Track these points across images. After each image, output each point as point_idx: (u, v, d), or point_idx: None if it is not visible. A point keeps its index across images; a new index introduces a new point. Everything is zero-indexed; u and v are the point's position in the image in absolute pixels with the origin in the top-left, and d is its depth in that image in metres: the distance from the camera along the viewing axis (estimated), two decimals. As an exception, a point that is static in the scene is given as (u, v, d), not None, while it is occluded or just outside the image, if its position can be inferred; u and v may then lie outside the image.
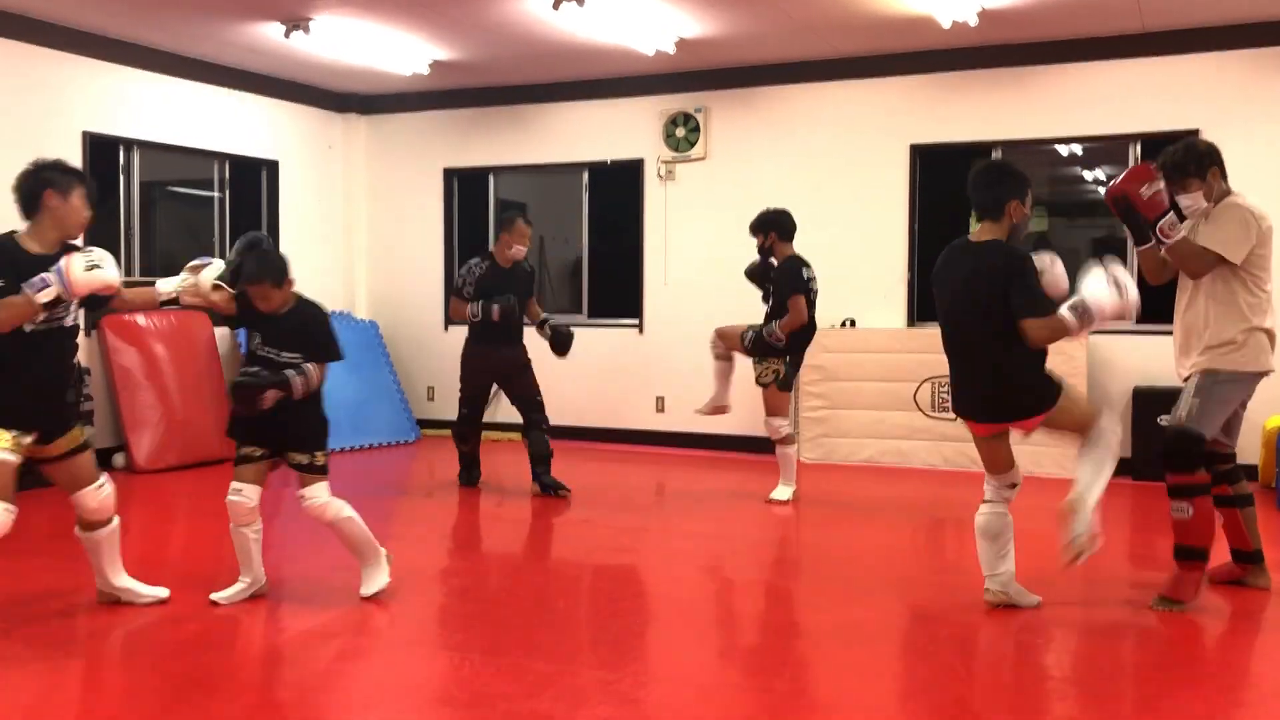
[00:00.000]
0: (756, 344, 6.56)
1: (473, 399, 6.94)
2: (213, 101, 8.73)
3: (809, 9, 7.07)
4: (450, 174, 9.88)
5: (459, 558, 5.71)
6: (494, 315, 6.66)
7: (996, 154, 8.24)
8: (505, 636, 4.15)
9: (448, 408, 9.74)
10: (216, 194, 9.15)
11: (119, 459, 7.76)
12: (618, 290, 9.31)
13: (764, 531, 6.22)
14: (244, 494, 4.46)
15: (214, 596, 4.46)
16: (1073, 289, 4.23)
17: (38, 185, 4.22)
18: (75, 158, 7.69)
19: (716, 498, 6.96)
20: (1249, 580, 4.67)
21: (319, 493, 4.44)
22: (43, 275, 3.97)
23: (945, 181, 8.71)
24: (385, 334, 9.77)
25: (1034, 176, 9.23)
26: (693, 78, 8.79)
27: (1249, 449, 7.45)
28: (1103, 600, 4.71)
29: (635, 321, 9.19)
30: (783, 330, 6.45)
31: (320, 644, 4.07)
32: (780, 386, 6.57)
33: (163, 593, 4.49)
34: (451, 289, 6.82)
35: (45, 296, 3.96)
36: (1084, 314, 4.08)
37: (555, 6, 6.73)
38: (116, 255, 8.15)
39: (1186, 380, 4.49)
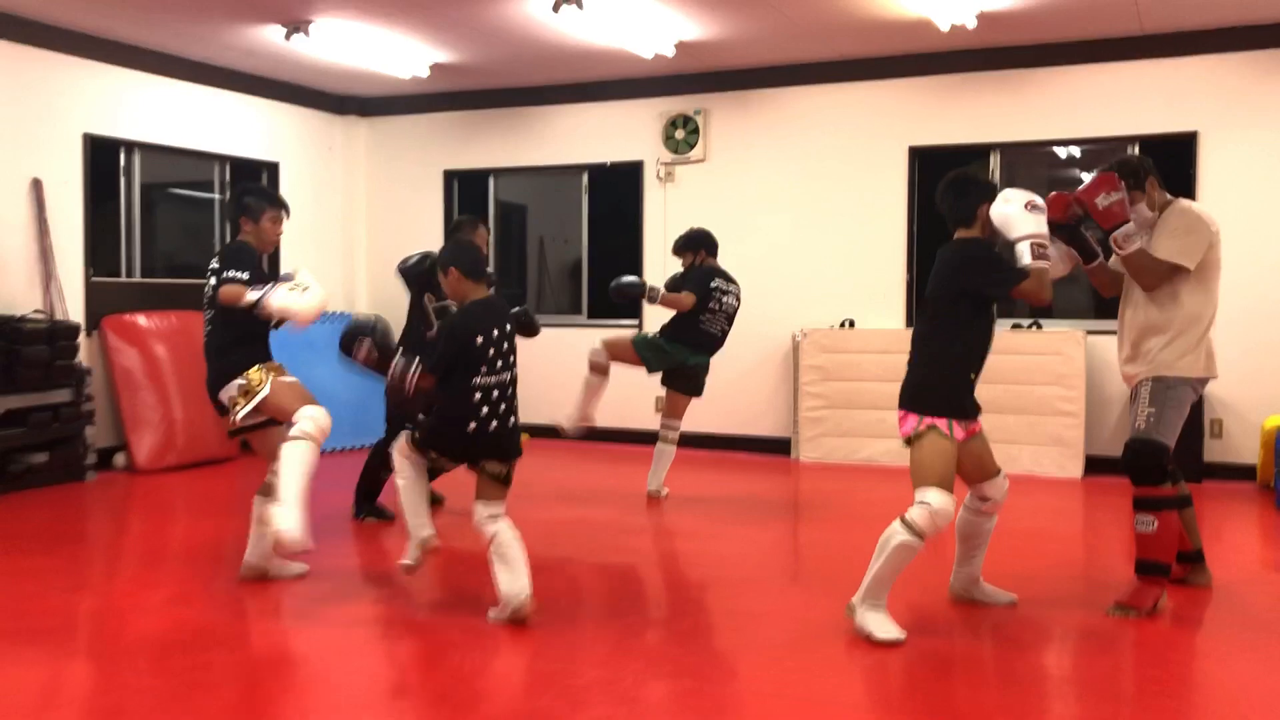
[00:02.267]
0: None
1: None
2: (213, 104, 8.75)
3: (807, 12, 7.08)
4: (450, 176, 9.90)
5: (458, 557, 5.71)
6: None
7: (995, 157, 8.26)
8: (505, 636, 4.15)
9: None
10: (217, 196, 9.16)
11: (119, 459, 7.77)
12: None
13: (764, 531, 6.22)
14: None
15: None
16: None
17: (234, 211, 4.92)
18: (75, 159, 7.71)
19: (716, 498, 6.96)
20: (1190, 579, 4.72)
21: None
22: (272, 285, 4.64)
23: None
24: (385, 335, 9.78)
25: (1032, 178, 9.28)
26: (692, 80, 8.81)
27: (1248, 449, 7.46)
28: (1102, 600, 4.72)
29: (635, 323, 9.20)
30: (663, 301, 6.52)
31: (319, 643, 4.08)
32: (638, 347, 6.66)
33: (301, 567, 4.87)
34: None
35: (255, 298, 4.62)
36: (1042, 249, 4.03)
37: (555, 9, 6.74)
38: (116, 256, 8.28)
39: (1136, 387, 4.43)
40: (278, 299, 4.57)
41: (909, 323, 8.34)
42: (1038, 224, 4.05)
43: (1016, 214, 4.06)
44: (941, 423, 4.06)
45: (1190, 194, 7.57)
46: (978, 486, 4.36)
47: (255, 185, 4.85)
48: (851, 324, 8.37)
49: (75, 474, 7.21)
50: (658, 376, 6.83)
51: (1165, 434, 4.33)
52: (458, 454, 4.35)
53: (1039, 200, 4.11)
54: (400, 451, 4.42)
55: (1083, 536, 6.41)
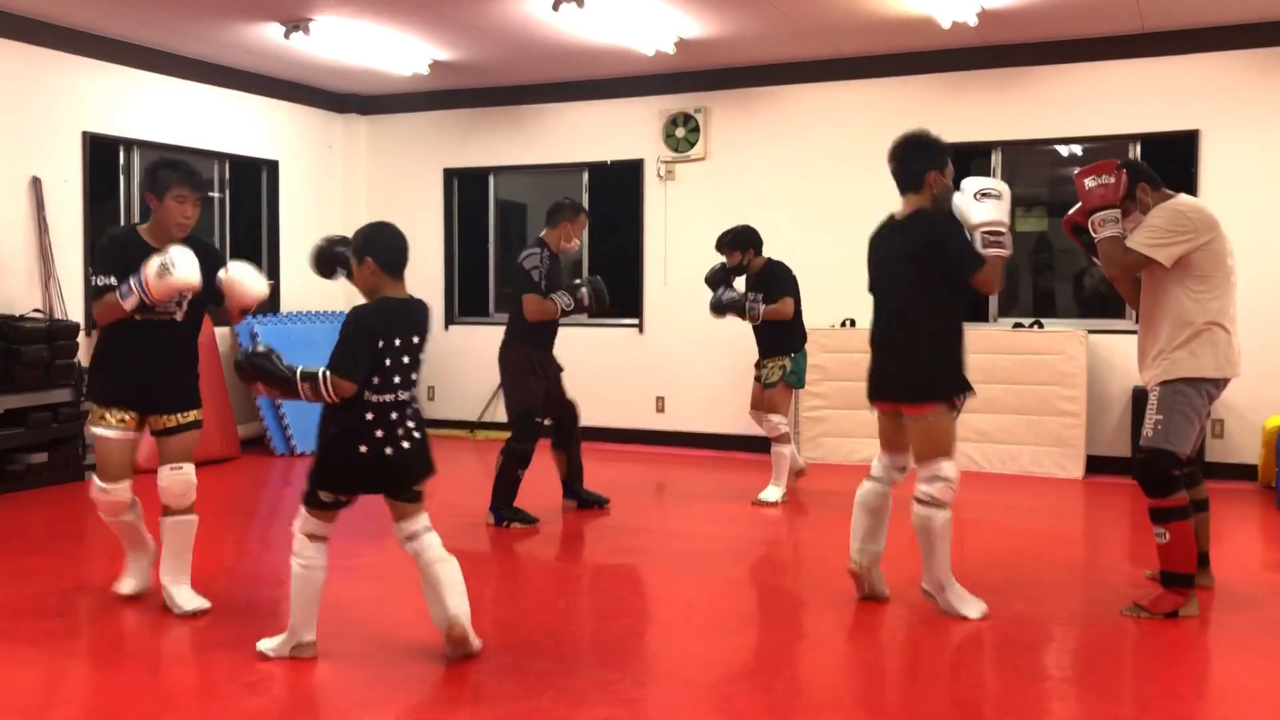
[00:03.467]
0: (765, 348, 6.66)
1: (540, 407, 6.12)
2: (213, 102, 8.74)
3: (809, 9, 7.07)
4: (450, 174, 9.89)
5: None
6: (585, 301, 6.04)
7: (996, 155, 8.25)
8: (505, 636, 4.15)
9: (449, 407, 9.77)
10: (216, 194, 9.15)
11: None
12: (618, 290, 9.31)
13: (763, 531, 6.22)
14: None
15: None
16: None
17: (141, 186, 4.38)
18: (75, 158, 7.70)
19: (716, 498, 6.95)
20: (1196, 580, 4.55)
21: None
22: (128, 284, 4.15)
23: (945, 182, 8.71)
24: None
25: (1034, 176, 9.27)
26: (692, 78, 8.80)
27: (1249, 449, 7.46)
28: (1102, 600, 4.71)
29: (635, 321, 9.19)
30: (765, 316, 6.55)
31: (319, 644, 4.07)
32: (790, 384, 6.70)
33: (203, 603, 4.37)
34: (525, 285, 5.98)
35: (129, 304, 4.16)
36: (995, 236, 4.07)
37: (555, 7, 6.73)
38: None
39: (1149, 391, 4.35)
40: (154, 281, 4.06)
41: (910, 321, 8.33)
42: (988, 212, 4.05)
43: (967, 203, 4.09)
44: (958, 400, 4.20)
45: (1191, 193, 7.56)
46: (900, 456, 4.40)
47: (177, 160, 4.28)
48: (852, 323, 8.36)
49: (74, 474, 7.20)
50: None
51: (1174, 441, 4.20)
52: (347, 483, 3.70)
53: (991, 187, 4.09)
54: (301, 525, 3.77)
55: (1083, 536, 6.40)
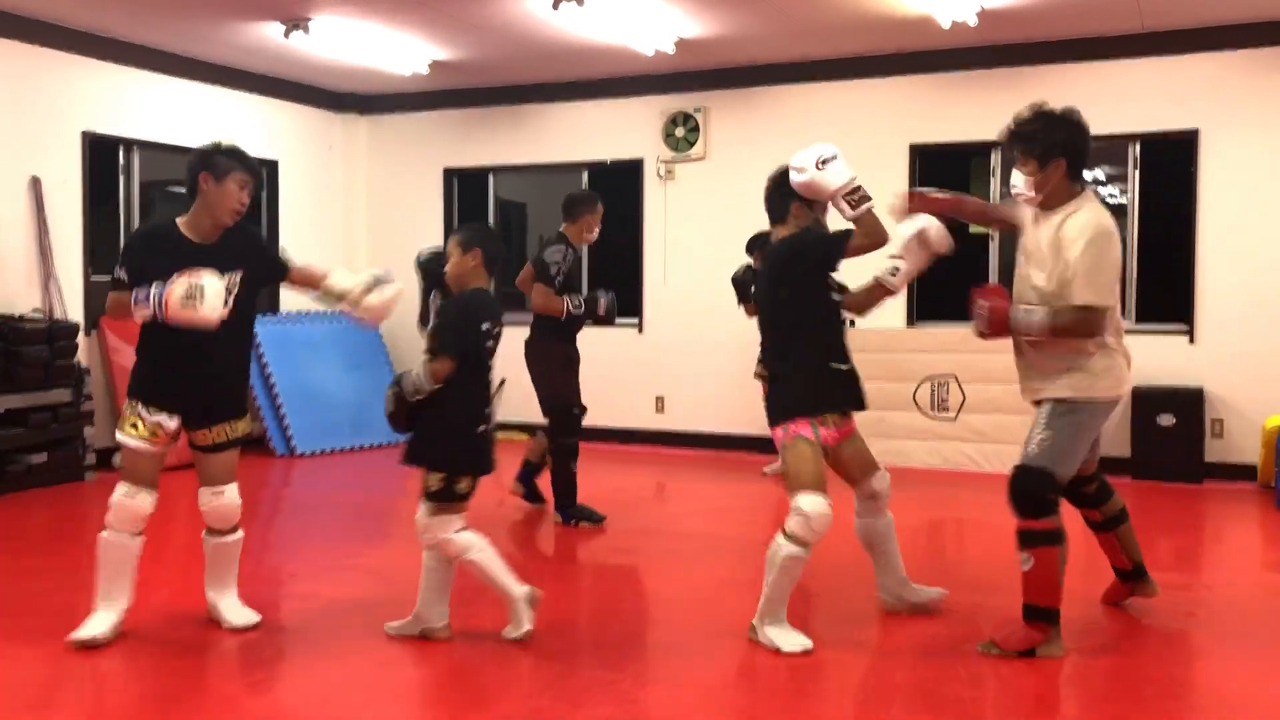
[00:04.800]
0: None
1: (578, 400, 6.09)
2: (212, 101, 8.73)
3: (808, 9, 7.07)
4: (450, 174, 9.88)
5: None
6: (600, 310, 6.01)
7: (996, 155, 8.25)
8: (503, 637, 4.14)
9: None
10: (216, 194, 9.14)
11: (118, 459, 7.74)
12: (617, 290, 9.28)
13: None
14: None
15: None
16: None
17: (193, 167, 3.97)
18: (75, 158, 7.70)
19: (716, 498, 6.95)
20: (1138, 592, 4.38)
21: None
22: (148, 291, 3.79)
23: (945, 181, 8.67)
24: (385, 334, 9.77)
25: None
26: (692, 78, 8.80)
27: (1249, 449, 7.45)
28: (1099, 601, 4.71)
29: (635, 321, 9.19)
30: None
31: (319, 644, 4.07)
32: None
33: (253, 617, 4.20)
34: (541, 276, 5.92)
35: (140, 315, 3.85)
36: (856, 194, 4.07)
37: (555, 6, 6.73)
38: (115, 256, 8.21)
39: (1037, 405, 3.96)
40: (175, 306, 3.75)
41: (910, 322, 8.34)
42: (837, 174, 4.03)
43: (813, 177, 4.05)
44: (805, 429, 3.99)
45: (1191, 193, 7.56)
46: (862, 485, 4.26)
47: (233, 145, 4.10)
48: (852, 323, 8.34)
49: (74, 474, 7.19)
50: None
51: (1059, 463, 3.88)
52: (481, 463, 3.94)
53: (825, 152, 4.07)
54: (443, 528, 3.91)
55: (1082, 536, 6.39)
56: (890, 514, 4.31)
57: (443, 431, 3.91)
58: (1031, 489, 3.87)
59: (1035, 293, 3.87)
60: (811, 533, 3.90)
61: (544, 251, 6.01)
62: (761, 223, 7.43)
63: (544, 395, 6.04)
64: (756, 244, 6.84)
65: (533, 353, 6.04)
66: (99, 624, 3.94)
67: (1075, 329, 3.79)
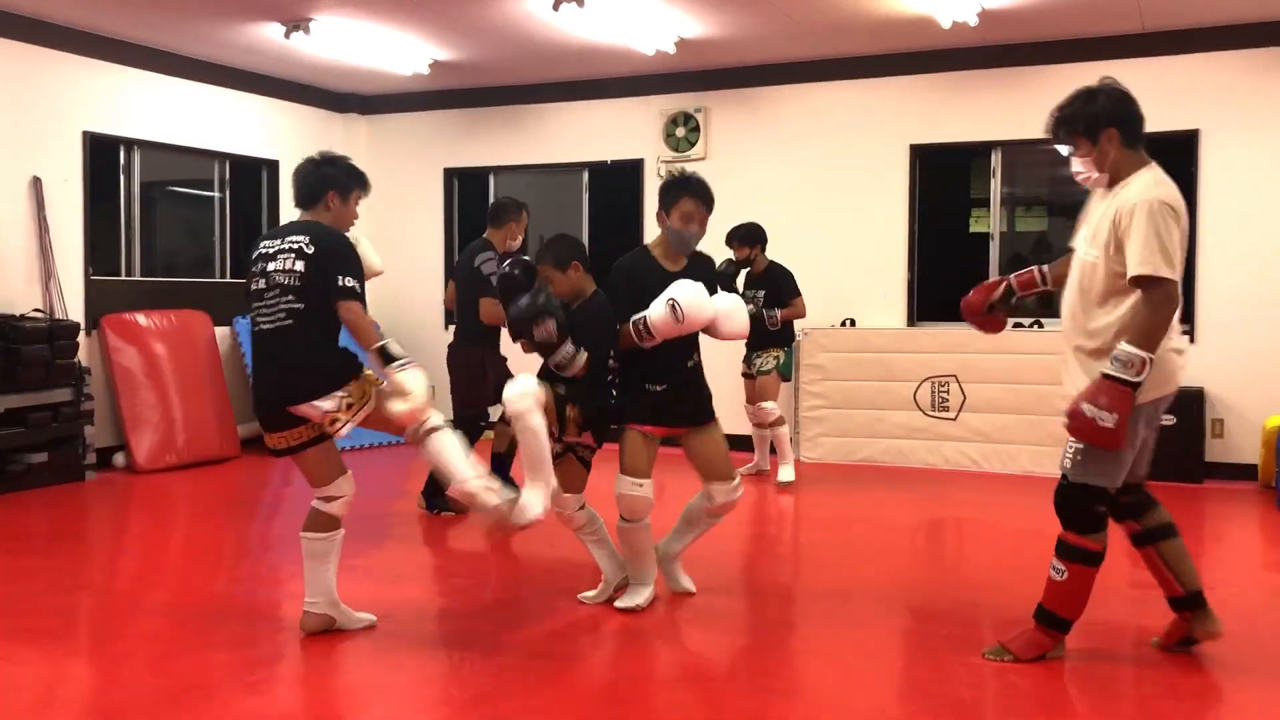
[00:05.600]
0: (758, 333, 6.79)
1: (485, 410, 6.33)
2: (213, 101, 8.74)
3: (809, 9, 7.07)
4: (450, 174, 9.89)
5: (458, 557, 5.71)
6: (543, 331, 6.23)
7: (996, 155, 8.25)
8: (505, 636, 4.15)
9: (448, 407, 9.74)
10: (216, 194, 9.15)
11: (119, 459, 7.76)
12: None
13: (763, 531, 6.22)
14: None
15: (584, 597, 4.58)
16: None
17: (329, 182, 4.18)
18: (75, 158, 7.70)
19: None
20: (1195, 630, 3.82)
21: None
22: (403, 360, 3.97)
23: (945, 181, 8.72)
24: (385, 334, 9.78)
25: (1034, 176, 9.27)
26: (692, 78, 8.80)
27: (1249, 449, 7.46)
28: (1103, 600, 4.71)
29: (635, 321, 9.19)
30: (782, 318, 7.16)
31: (319, 644, 4.07)
32: (782, 374, 7.24)
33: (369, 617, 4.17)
34: (484, 289, 5.97)
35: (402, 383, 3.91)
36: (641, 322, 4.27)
37: (555, 7, 6.73)
38: (116, 255, 8.27)
39: None
40: (410, 382, 3.88)
41: (910, 321, 8.33)
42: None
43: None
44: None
45: (1191, 193, 7.56)
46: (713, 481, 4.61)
47: (338, 156, 4.31)
48: (852, 323, 8.36)
49: (75, 474, 7.20)
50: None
51: (1103, 474, 3.60)
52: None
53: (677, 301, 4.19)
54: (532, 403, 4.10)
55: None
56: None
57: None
58: (1073, 503, 3.65)
59: (1084, 270, 3.64)
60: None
61: (478, 264, 6.10)
62: (761, 222, 7.48)
63: (455, 401, 6.27)
64: (739, 237, 7.20)
65: (451, 359, 6.30)
66: None
67: (1153, 313, 3.42)
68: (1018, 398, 7.69)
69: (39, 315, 7.22)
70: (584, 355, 4.24)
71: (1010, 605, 4.45)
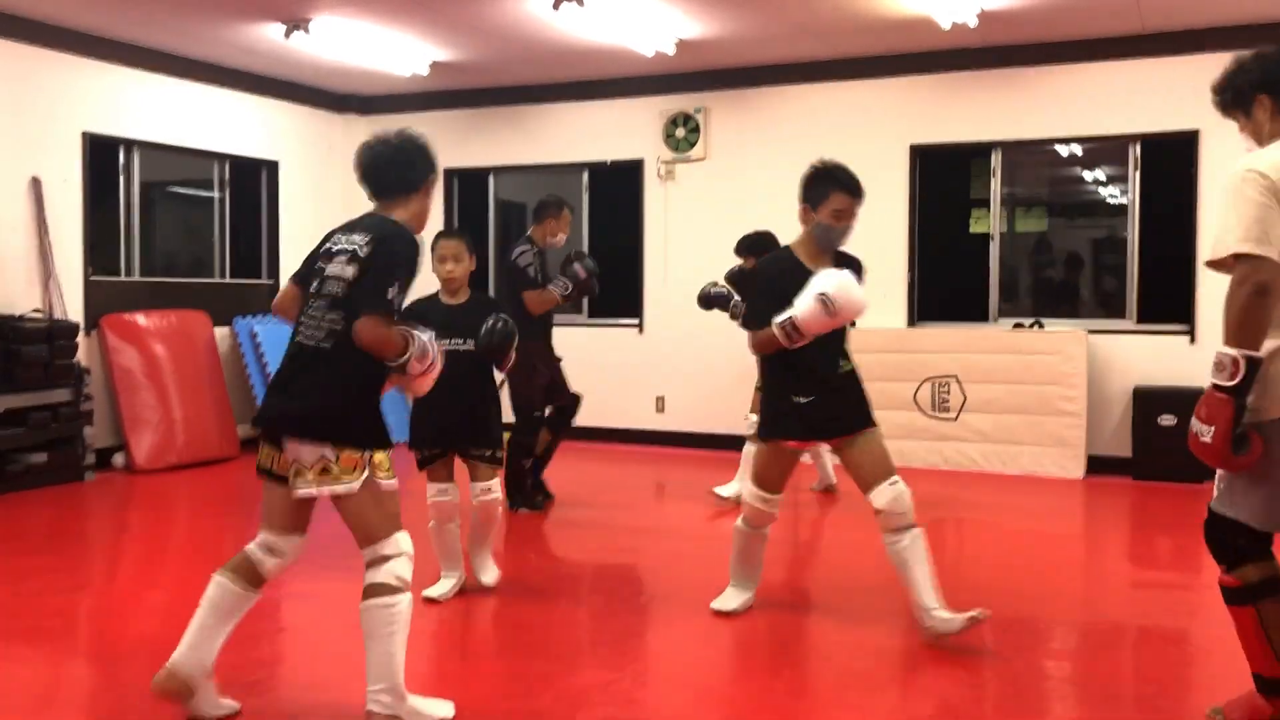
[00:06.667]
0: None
1: (541, 401, 6.26)
2: (213, 102, 8.73)
3: (808, 10, 7.07)
4: (450, 174, 9.88)
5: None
6: (581, 276, 6.13)
7: (996, 155, 8.25)
8: (505, 636, 4.15)
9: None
10: (216, 194, 9.15)
11: (118, 459, 7.76)
12: (618, 290, 9.31)
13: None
14: (448, 493, 4.58)
15: (428, 594, 4.46)
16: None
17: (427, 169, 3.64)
18: (75, 158, 7.70)
19: (716, 498, 6.95)
20: None
21: (496, 486, 4.62)
22: (423, 340, 3.23)
23: (945, 182, 8.72)
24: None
25: (1034, 176, 9.27)
26: (692, 78, 8.80)
27: (1249, 449, 7.44)
28: (1103, 600, 4.71)
29: (635, 321, 9.19)
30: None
31: (320, 645, 4.07)
32: None
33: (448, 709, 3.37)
34: (522, 282, 6.11)
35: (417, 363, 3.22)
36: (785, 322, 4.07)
37: (555, 7, 6.73)
38: (115, 255, 8.26)
39: None
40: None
41: (910, 322, 8.33)
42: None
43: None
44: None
45: (1192, 193, 7.56)
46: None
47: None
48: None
49: (74, 474, 7.19)
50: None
51: (1237, 506, 3.03)
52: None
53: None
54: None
55: (1083, 536, 6.41)
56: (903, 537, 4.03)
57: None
58: (1214, 537, 3.09)
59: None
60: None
61: (514, 259, 6.18)
62: (761, 222, 7.47)
63: (512, 397, 6.18)
64: (746, 247, 6.76)
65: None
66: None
67: (1231, 301, 2.83)
68: (1018, 398, 7.69)
69: (38, 315, 7.22)
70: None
71: (1010, 605, 4.45)
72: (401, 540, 3.22)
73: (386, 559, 3.20)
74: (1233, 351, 2.83)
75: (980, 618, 3.90)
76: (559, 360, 6.42)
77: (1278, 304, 2.83)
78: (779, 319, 3.99)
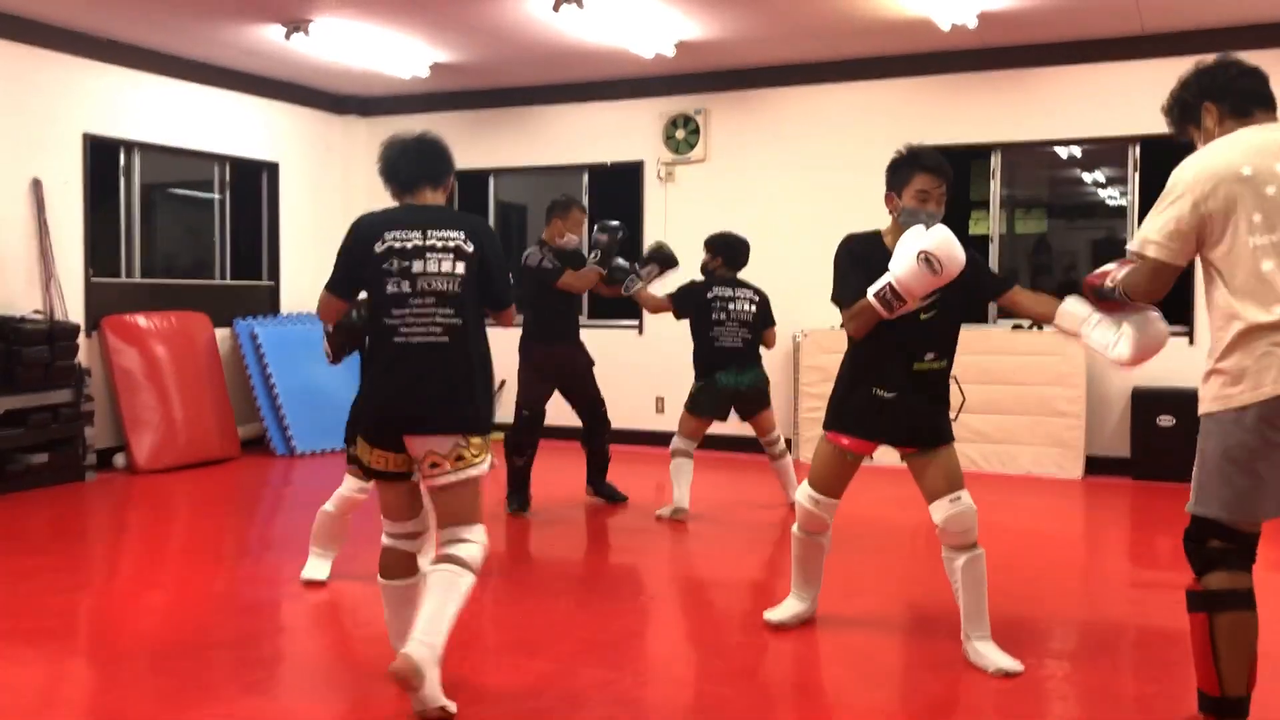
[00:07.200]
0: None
1: (537, 403, 6.29)
2: (213, 103, 8.74)
3: (808, 11, 7.07)
4: (450, 176, 9.88)
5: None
6: (604, 239, 6.20)
7: (996, 156, 8.25)
8: (506, 636, 4.15)
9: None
10: (217, 196, 9.16)
11: (119, 459, 7.77)
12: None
13: (763, 532, 6.21)
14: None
15: (309, 575, 4.56)
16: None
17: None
18: (75, 160, 7.70)
19: (716, 498, 6.96)
20: None
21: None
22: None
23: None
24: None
25: (1034, 178, 9.28)
26: (692, 80, 8.80)
27: (1248, 450, 7.44)
28: (1103, 600, 4.72)
29: (635, 322, 9.20)
30: (637, 295, 6.54)
31: (320, 644, 4.07)
32: (690, 409, 6.52)
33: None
34: (541, 275, 6.14)
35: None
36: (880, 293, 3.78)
37: (555, 8, 6.74)
38: (116, 257, 8.27)
39: None
40: None
41: (909, 323, 8.33)
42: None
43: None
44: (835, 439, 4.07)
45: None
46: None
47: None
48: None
49: (75, 474, 7.20)
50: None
51: (1201, 499, 3.01)
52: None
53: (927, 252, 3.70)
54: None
55: (1083, 537, 6.41)
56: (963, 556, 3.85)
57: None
58: (1191, 543, 3.05)
59: None
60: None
61: (523, 261, 6.26)
62: (761, 224, 7.48)
63: (517, 395, 6.34)
64: (717, 245, 6.61)
65: (519, 353, 6.39)
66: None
67: (1129, 283, 3.33)
68: (1017, 398, 7.69)
69: (39, 317, 7.22)
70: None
71: (1009, 606, 4.45)
72: (483, 531, 3.39)
73: (466, 541, 3.34)
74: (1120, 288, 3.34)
75: (1013, 672, 3.67)
76: (589, 364, 6.49)
77: (1256, 283, 3.02)
78: (874, 288, 3.63)
